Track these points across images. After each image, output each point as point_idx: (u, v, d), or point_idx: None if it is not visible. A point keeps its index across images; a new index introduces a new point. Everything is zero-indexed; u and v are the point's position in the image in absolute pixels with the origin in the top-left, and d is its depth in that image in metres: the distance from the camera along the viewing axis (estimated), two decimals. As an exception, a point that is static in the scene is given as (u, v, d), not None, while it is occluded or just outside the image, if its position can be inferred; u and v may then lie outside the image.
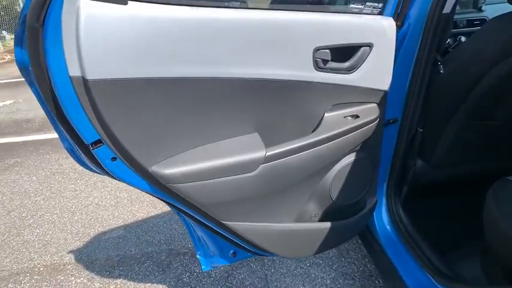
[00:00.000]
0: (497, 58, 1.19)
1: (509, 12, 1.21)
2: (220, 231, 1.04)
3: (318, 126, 1.04)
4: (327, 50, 0.95)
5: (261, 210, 1.04)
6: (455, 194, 1.70)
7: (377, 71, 1.04)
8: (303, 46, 0.92)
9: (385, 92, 1.11)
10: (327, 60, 0.96)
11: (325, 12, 0.96)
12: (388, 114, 1.29)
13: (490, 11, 2.07)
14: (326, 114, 1.05)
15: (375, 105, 1.12)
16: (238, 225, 1.01)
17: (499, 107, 1.36)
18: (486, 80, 1.23)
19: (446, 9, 1.13)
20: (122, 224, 2.38)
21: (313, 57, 0.94)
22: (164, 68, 0.79)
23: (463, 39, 2.01)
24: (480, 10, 2.30)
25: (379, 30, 1.01)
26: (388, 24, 1.02)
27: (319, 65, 0.96)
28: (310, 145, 1.00)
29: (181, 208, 0.96)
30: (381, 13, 1.06)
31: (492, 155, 1.60)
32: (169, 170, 0.86)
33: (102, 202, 2.64)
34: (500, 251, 1.19)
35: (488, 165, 1.61)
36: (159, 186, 0.88)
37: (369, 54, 1.01)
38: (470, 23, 2.15)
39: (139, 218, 2.42)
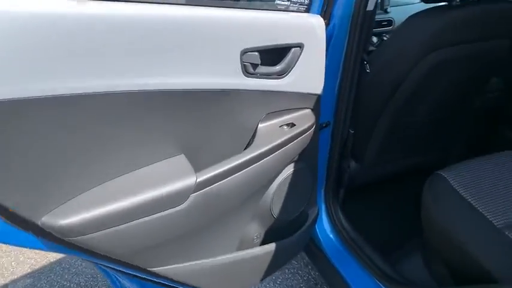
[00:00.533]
0: (418, 55, 1.19)
1: (427, 9, 1.23)
2: (151, 279, 0.85)
3: (252, 140, 0.91)
4: (256, 53, 0.82)
5: (197, 246, 0.88)
6: (391, 191, 1.71)
7: (310, 74, 0.96)
8: (229, 48, 0.79)
9: (319, 95, 1.03)
10: (257, 65, 0.84)
11: (250, 9, 0.84)
12: (321, 118, 1.23)
13: (395, 13, 2.17)
14: (260, 125, 0.93)
15: (309, 110, 1.03)
16: (171, 269, 0.83)
17: (422, 103, 1.38)
18: (410, 78, 1.23)
19: (369, 6, 1.09)
20: (28, 270, 2.00)
21: (241, 61, 0.81)
22: (36, 84, 0.57)
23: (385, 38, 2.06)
24: (386, 12, 2.43)
25: (309, 29, 0.92)
26: (317, 23, 0.93)
27: (249, 70, 0.83)
28: (246, 163, 0.87)
29: (94, 261, 0.75)
30: (307, 10, 0.97)
31: (419, 150, 1.64)
32: (65, 219, 0.65)
33: (1, 246, 2.20)
34: (439, 246, 1.19)
35: (417, 160, 1.65)
36: (56, 241, 0.66)
37: (300, 56, 0.91)
38: (378, 23, 2.24)
39: (51, 260, 2.06)
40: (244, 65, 0.81)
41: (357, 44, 1.13)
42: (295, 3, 0.93)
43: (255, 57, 0.82)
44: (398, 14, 2.16)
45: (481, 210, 1.06)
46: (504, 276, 0.92)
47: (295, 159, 1.07)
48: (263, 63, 0.85)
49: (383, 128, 1.41)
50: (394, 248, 1.43)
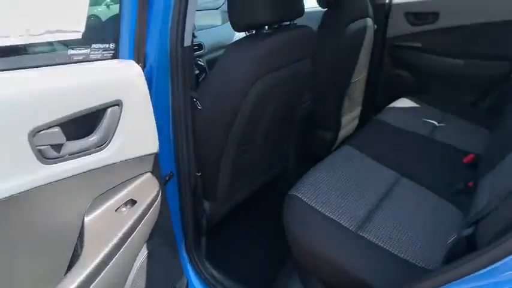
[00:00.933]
0: (246, 85, 1.16)
1: (244, 38, 1.20)
2: None
3: (79, 249, 0.65)
4: (56, 128, 0.58)
5: None
6: (250, 217, 1.67)
7: (139, 133, 0.76)
8: (5, 134, 0.52)
9: (156, 153, 0.85)
10: (61, 144, 0.59)
11: (33, 67, 0.58)
12: (162, 170, 1.05)
13: (202, 36, 2.16)
14: (87, 220, 0.67)
15: (149, 174, 0.84)
16: None
17: (259, 128, 1.36)
18: (243, 109, 1.19)
19: (186, 42, 0.98)
20: None
21: (33, 145, 0.55)
22: None
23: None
24: (194, 36, 2.41)
25: (124, 79, 0.73)
26: (132, 70, 0.75)
27: (48, 154, 0.58)
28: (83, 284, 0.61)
29: None
30: (115, 56, 0.77)
31: (264, 169, 1.64)
32: None
33: None
34: (310, 265, 1.18)
35: (264, 179, 1.65)
36: None
37: (120, 115, 0.71)
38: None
39: None
40: (40, 149, 0.56)
41: (182, 83, 1.00)
42: (96, 49, 0.72)
43: (56, 134, 0.58)
44: (205, 37, 2.15)
45: (336, 219, 1.10)
46: (376, 282, 0.96)
47: (147, 240, 0.85)
48: (72, 137, 0.61)
49: (228, 162, 1.33)
50: (271, 277, 1.38)
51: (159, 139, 0.88)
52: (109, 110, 0.68)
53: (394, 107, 1.87)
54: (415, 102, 1.92)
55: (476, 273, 0.62)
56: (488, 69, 1.92)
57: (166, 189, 1.09)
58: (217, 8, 2.53)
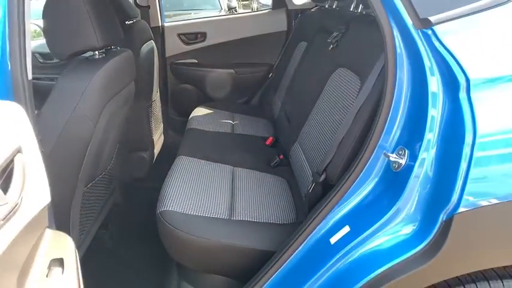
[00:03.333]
0: (94, 117, 1.09)
1: (71, 67, 1.10)
2: None
3: None
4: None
5: None
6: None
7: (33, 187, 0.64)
8: None
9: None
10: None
11: None
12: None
13: None
14: None
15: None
16: None
17: (102, 161, 1.29)
18: (93, 143, 1.12)
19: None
20: None
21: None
22: None
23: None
24: None
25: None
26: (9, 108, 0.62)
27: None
28: None
29: None
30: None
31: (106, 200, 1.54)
32: None
33: None
34: (197, 264, 1.26)
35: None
36: None
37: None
38: None
39: None
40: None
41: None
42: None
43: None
44: None
45: (209, 215, 1.22)
46: (257, 245, 1.15)
47: None
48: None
49: (78, 200, 1.20)
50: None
51: None
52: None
53: (195, 116, 2.10)
54: (209, 109, 2.22)
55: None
56: (254, 73, 2.46)
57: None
58: None
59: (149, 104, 1.97)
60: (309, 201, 1.13)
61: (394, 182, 0.88)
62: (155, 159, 2.10)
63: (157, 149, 2.14)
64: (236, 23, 2.40)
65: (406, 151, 0.86)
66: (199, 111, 2.17)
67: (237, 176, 1.53)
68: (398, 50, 0.85)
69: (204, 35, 2.38)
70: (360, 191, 0.93)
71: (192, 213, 1.22)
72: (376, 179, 0.91)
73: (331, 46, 1.45)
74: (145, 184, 2.05)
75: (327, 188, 1.07)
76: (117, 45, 1.29)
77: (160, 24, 2.32)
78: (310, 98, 1.52)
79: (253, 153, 1.75)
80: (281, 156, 1.67)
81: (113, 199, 1.70)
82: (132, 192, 1.96)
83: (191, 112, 2.18)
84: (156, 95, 2.12)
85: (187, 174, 1.45)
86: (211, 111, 2.20)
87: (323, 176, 1.07)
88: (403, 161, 0.85)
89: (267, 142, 1.87)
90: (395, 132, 0.89)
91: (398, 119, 0.88)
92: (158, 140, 2.19)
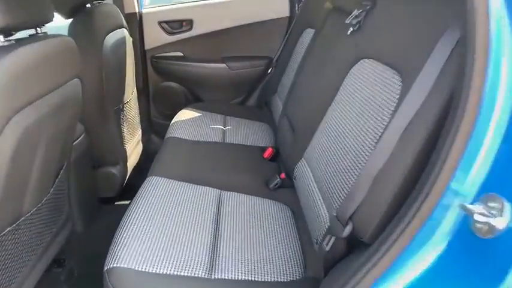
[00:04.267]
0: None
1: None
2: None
3: None
4: None
5: None
6: None
7: None
8: None
9: None
10: None
11: None
12: None
13: None
14: None
15: None
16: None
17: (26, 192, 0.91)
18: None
19: None
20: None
21: None
22: None
23: None
24: None
25: None
26: None
27: None
28: None
29: None
30: None
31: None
32: None
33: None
34: None
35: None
36: None
37: None
38: None
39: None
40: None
41: None
42: None
43: None
44: None
45: (181, 273, 0.86)
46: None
47: None
48: None
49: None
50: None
51: None
52: None
53: (178, 121, 1.73)
54: (196, 111, 1.85)
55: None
56: (250, 68, 2.07)
57: None
58: None
59: (119, 107, 1.60)
60: (326, 261, 0.75)
61: (480, 257, 0.51)
62: (130, 173, 1.73)
63: (132, 161, 1.77)
64: (229, 9, 2.01)
65: (505, 203, 0.48)
66: (184, 115, 1.79)
67: (224, 204, 1.15)
68: (494, 33, 0.47)
69: (190, 23, 2.00)
70: (413, 264, 0.55)
71: (154, 270, 0.85)
72: (443, 247, 0.54)
73: (351, 29, 1.06)
74: (117, 206, 1.68)
75: (353, 243, 0.70)
76: (40, 27, 0.90)
77: (137, 11, 1.94)
78: (321, 100, 1.14)
79: (248, 171, 1.38)
80: (283, 175, 1.29)
81: (70, 227, 1.33)
82: (100, 217, 1.59)
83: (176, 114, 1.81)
84: (130, 96, 1.74)
85: (156, 205, 1.07)
86: (199, 114, 1.82)
87: (348, 229, 0.68)
88: (499, 222, 0.48)
89: (265, 154, 1.49)
90: (481, 167, 0.51)
91: (486, 144, 0.51)
92: (134, 149, 1.81)
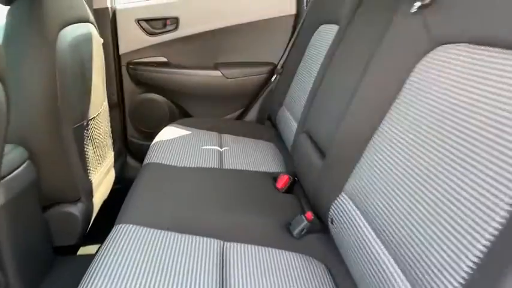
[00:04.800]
0: None
1: None
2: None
3: None
4: None
5: None
6: None
7: None
8: None
9: None
10: None
11: None
12: None
13: None
14: None
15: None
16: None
17: None
18: None
19: None
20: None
21: None
22: None
23: None
24: None
25: None
26: None
27: None
28: None
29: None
30: None
31: None
32: None
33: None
34: None
35: None
36: None
37: None
38: None
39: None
40: None
41: None
42: None
43: None
44: None
45: None
46: None
47: None
48: None
49: None
50: None
51: None
52: None
53: (160, 141, 1.35)
54: (183, 129, 1.48)
55: None
56: (250, 76, 1.72)
57: None
58: None
59: (82, 124, 1.20)
60: None
61: None
62: (97, 212, 1.32)
63: (101, 195, 1.36)
64: (222, 5, 1.67)
65: None
66: (169, 134, 1.42)
67: (229, 261, 0.78)
68: None
69: (175, 21, 1.64)
70: None
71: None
72: None
73: (419, 3, 0.72)
74: (79, 257, 1.27)
75: None
76: None
77: (109, 5, 1.57)
78: (369, 108, 0.79)
79: (259, 209, 1.00)
80: (309, 215, 0.91)
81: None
82: (54, 273, 1.17)
83: (159, 133, 1.44)
84: (99, 109, 1.35)
85: (129, 268, 0.68)
86: (187, 132, 1.45)
87: None
88: None
89: (280, 184, 1.11)
90: None
91: None
92: (104, 179, 1.41)
